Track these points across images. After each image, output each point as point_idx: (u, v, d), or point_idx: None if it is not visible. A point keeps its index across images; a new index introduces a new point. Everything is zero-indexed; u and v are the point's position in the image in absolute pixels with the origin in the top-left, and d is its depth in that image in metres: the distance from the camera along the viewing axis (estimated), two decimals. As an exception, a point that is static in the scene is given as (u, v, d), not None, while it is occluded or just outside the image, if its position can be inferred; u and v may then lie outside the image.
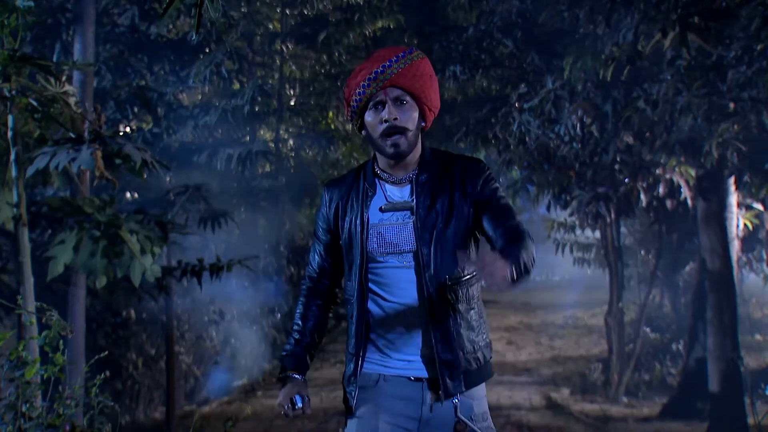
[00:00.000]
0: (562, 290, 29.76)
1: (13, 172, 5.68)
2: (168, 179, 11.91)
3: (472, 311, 3.09)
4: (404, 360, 3.06)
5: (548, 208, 15.15)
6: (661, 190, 12.22)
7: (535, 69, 10.94)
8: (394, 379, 3.07)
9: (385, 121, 2.96)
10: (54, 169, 5.39)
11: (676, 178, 11.66)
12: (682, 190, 11.75)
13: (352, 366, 3.12)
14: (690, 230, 13.49)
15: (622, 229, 15.40)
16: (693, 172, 11.10)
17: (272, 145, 18.32)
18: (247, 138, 13.48)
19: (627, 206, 13.70)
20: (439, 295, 2.99)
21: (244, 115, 11.88)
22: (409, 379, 3.05)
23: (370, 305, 3.10)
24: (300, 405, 3.02)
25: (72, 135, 5.74)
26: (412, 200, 3.05)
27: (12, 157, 5.64)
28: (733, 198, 11.37)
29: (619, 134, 10.15)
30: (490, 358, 3.17)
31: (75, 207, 6.14)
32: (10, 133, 5.63)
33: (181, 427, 12.65)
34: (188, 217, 11.90)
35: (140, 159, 5.45)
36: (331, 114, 17.82)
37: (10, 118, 5.61)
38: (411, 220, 3.04)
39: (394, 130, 2.96)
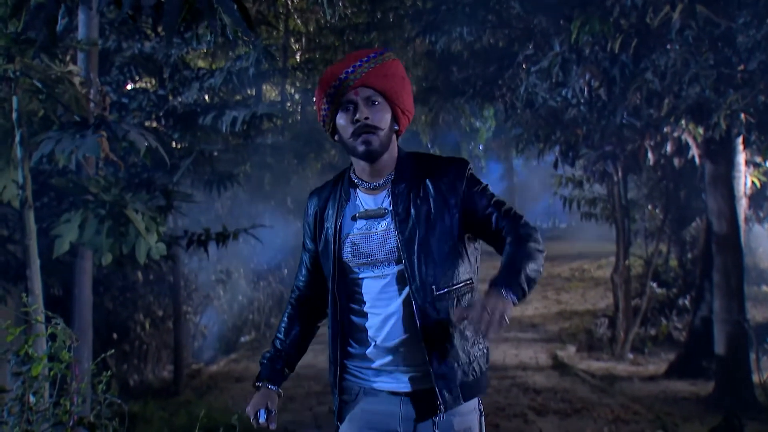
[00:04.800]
0: (569, 240, 29.78)
1: (18, 153, 5.66)
2: (174, 144, 11.88)
3: (466, 320, 2.96)
4: (383, 373, 2.99)
5: (555, 166, 15.11)
6: (668, 148, 12.14)
7: (542, 30, 10.80)
8: (372, 392, 3.01)
9: (357, 120, 2.87)
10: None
11: (685, 137, 11.57)
12: (690, 148, 11.67)
13: (331, 377, 3.08)
14: (697, 187, 13.43)
15: (630, 183, 15.33)
16: (701, 131, 11.00)
17: (278, 98, 18.26)
18: (251, 101, 13.35)
19: (634, 164, 13.65)
20: (428, 306, 2.88)
21: (249, 77, 11.77)
22: (388, 393, 2.98)
23: (346, 317, 3.03)
24: (263, 419, 3.01)
25: (77, 117, 5.71)
26: (387, 209, 2.96)
27: (17, 138, 5.62)
28: (741, 157, 11.28)
29: (626, 98, 10.05)
30: (487, 369, 3.07)
31: (81, 186, 6.13)
32: (14, 115, 5.60)
33: (189, 386, 12.77)
34: (194, 179, 11.90)
35: (145, 145, 5.42)
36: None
37: (14, 100, 5.58)
38: (385, 230, 2.95)
39: (366, 129, 2.87)
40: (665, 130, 11.33)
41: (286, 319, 3.24)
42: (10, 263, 8.11)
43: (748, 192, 12.71)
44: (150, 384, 12.87)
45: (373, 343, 2.98)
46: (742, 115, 9.07)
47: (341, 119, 2.92)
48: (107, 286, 11.92)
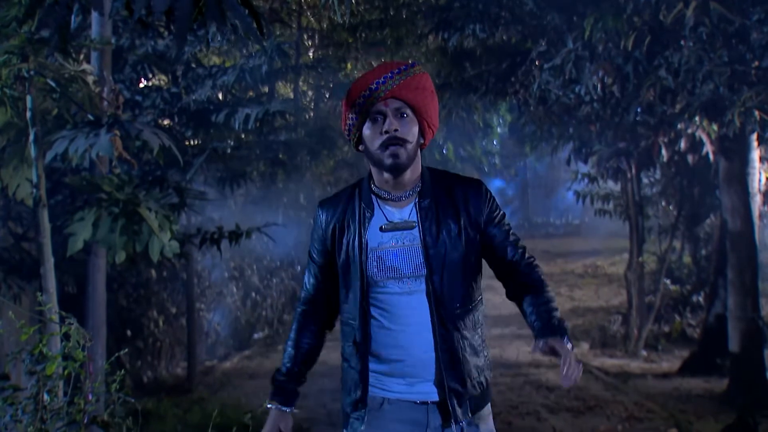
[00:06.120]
0: (582, 236, 29.69)
1: (32, 152, 5.69)
2: (187, 142, 11.89)
3: (476, 335, 3.03)
4: (407, 384, 2.99)
5: (568, 162, 15.08)
6: (682, 145, 12.09)
7: (555, 27, 10.76)
8: (397, 402, 3.01)
9: (386, 132, 2.87)
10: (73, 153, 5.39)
11: (698, 134, 11.52)
12: (704, 145, 11.62)
13: (359, 392, 3.03)
14: (711, 184, 13.39)
15: (644, 180, 15.29)
16: (715, 127, 10.96)
17: (291, 95, 18.26)
18: (264, 98, 13.36)
19: (648, 161, 13.63)
20: (448, 322, 2.93)
21: (261, 75, 11.78)
22: (414, 402, 2.99)
23: (372, 330, 3.01)
24: None
25: (90, 117, 5.73)
26: (414, 221, 2.96)
27: (31, 137, 5.65)
28: (755, 154, 11.24)
29: (640, 95, 10.02)
30: (491, 378, 3.13)
31: (94, 185, 6.14)
32: (29, 114, 5.64)
33: (202, 382, 12.81)
34: (207, 177, 11.92)
35: (158, 144, 5.43)
36: (349, 65, 17.68)
37: (28, 99, 5.61)
38: (412, 244, 2.95)
39: (394, 141, 2.87)
40: (679, 126, 11.28)
41: (294, 335, 3.20)
42: (25, 261, 8.14)
43: (763, 189, 12.65)
44: (164, 381, 12.90)
45: (399, 356, 2.98)
46: (756, 112, 9.02)
47: (368, 129, 2.92)
48: (121, 283, 11.96)
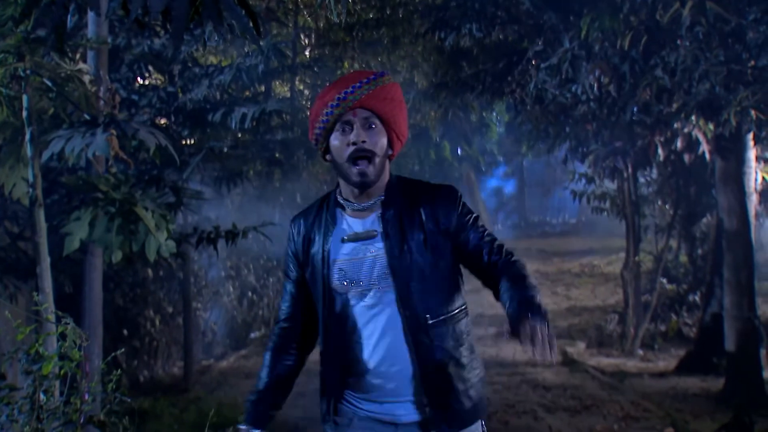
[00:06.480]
0: (578, 235, 29.76)
1: (28, 151, 5.68)
2: (184, 141, 11.89)
3: (462, 348, 2.92)
4: (375, 402, 2.92)
5: (565, 161, 15.09)
6: (679, 144, 12.12)
7: (552, 27, 10.78)
8: (366, 420, 2.95)
9: (353, 143, 2.80)
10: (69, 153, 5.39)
11: (695, 133, 11.55)
12: (700, 144, 11.64)
13: (324, 405, 3.00)
14: (708, 183, 13.40)
15: (640, 179, 15.30)
16: (711, 127, 10.97)
17: (288, 94, 18.25)
18: (261, 97, 13.38)
19: (644, 160, 13.64)
20: (422, 335, 2.83)
21: (258, 74, 11.79)
22: (380, 421, 2.93)
23: (338, 344, 2.93)
24: None
25: (87, 116, 5.73)
26: (376, 230, 2.88)
27: (27, 137, 5.64)
28: (752, 153, 11.24)
29: (636, 94, 10.03)
30: (485, 393, 3.02)
31: (90, 184, 6.14)
32: (25, 113, 5.62)
33: (198, 382, 12.80)
34: (203, 176, 11.92)
35: (154, 144, 5.43)
36: (346, 64, 17.68)
37: (25, 98, 5.60)
38: (376, 256, 2.86)
39: (362, 154, 2.80)
40: (675, 126, 11.31)
41: (269, 356, 3.08)
42: (21, 261, 8.14)
43: (759, 188, 12.66)
44: (160, 380, 12.90)
45: (366, 372, 2.90)
46: (753, 112, 9.03)
47: (336, 140, 2.85)
48: (117, 283, 11.95)
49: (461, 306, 2.97)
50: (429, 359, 2.84)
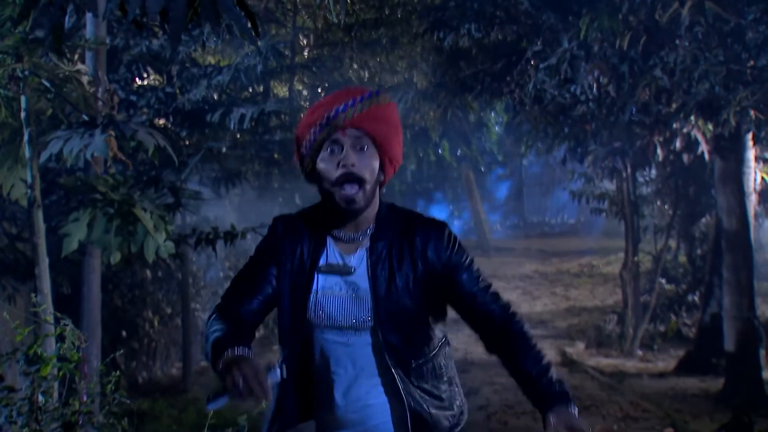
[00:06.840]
0: (577, 235, 29.74)
1: (27, 152, 5.67)
2: (182, 142, 11.88)
3: (442, 384, 2.80)
4: None
5: (564, 161, 15.08)
6: (678, 144, 12.12)
7: (550, 27, 10.77)
8: None
9: (342, 166, 2.57)
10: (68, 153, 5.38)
11: (694, 133, 11.54)
12: (699, 144, 11.64)
13: (267, 428, 2.81)
14: (707, 183, 13.40)
15: (639, 179, 15.31)
16: (711, 127, 10.97)
17: (287, 94, 18.24)
18: (259, 97, 13.38)
19: (643, 160, 13.64)
20: (403, 376, 2.69)
21: (257, 75, 11.79)
22: None
23: (307, 373, 2.78)
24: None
25: (85, 117, 5.72)
26: (353, 266, 2.69)
27: (26, 137, 5.63)
28: (751, 153, 11.24)
29: (635, 94, 10.03)
30: (464, 422, 2.87)
31: (89, 185, 6.13)
32: (23, 114, 5.61)
33: (197, 383, 12.79)
34: (202, 177, 11.91)
35: (153, 144, 5.42)
36: (345, 64, 17.68)
37: (23, 99, 5.59)
38: (357, 294, 2.68)
39: (351, 178, 2.57)
40: (674, 126, 11.31)
41: (214, 322, 2.60)
42: (19, 262, 8.13)
43: (758, 188, 12.66)
44: (159, 381, 12.89)
45: (336, 408, 2.75)
46: (752, 112, 9.04)
47: (323, 162, 2.62)
48: (116, 284, 11.94)
49: (441, 339, 2.85)
50: (412, 399, 2.70)
